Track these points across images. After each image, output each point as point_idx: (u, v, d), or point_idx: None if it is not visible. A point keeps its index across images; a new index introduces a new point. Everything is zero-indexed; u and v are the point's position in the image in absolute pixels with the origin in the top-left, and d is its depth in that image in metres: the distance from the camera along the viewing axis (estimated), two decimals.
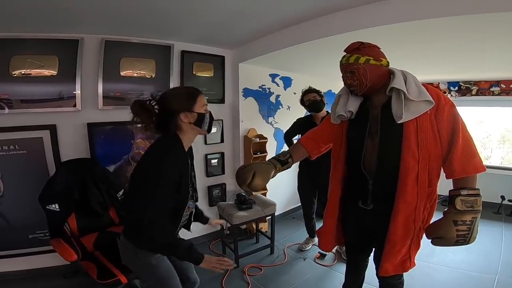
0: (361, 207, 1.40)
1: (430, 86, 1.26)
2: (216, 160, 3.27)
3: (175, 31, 2.51)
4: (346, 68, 1.29)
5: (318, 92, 2.69)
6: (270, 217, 2.92)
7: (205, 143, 3.15)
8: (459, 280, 2.38)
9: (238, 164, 3.36)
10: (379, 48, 1.30)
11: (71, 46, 2.31)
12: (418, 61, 2.93)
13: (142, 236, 1.25)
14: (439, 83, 4.43)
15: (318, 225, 3.12)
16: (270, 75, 3.56)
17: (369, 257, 1.64)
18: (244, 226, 3.22)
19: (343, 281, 1.78)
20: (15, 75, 2.16)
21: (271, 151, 3.58)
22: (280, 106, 3.74)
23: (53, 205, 1.96)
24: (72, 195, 2.04)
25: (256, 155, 3.27)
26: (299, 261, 2.82)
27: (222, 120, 3.27)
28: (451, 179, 1.25)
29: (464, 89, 4.25)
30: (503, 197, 3.91)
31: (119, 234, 1.39)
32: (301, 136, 3.00)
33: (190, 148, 1.45)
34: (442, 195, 1.39)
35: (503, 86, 3.95)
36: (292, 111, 3.77)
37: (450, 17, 1.60)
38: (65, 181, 2.06)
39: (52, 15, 1.94)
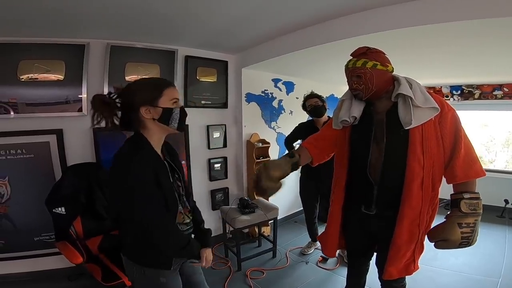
0: (364, 212, 1.42)
1: (433, 93, 1.29)
2: (219, 165, 3.30)
3: (179, 37, 2.55)
4: (353, 72, 1.30)
5: (319, 97, 2.72)
6: (272, 221, 2.93)
7: (208, 147, 3.18)
8: (462, 284, 2.38)
9: (241, 169, 3.40)
10: (384, 53, 1.32)
11: (78, 51, 2.36)
12: (420, 65, 2.95)
13: (147, 249, 1.16)
14: (441, 87, 4.43)
15: (320, 229, 3.14)
16: (273, 80, 3.59)
17: (371, 261, 1.65)
18: (246, 230, 3.23)
19: (345, 284, 1.78)
20: (23, 80, 2.21)
21: (273, 156, 3.60)
22: (283, 111, 3.76)
23: (60, 209, 2.00)
24: (78, 199, 2.08)
25: (259, 160, 3.28)
26: (301, 265, 2.82)
27: (225, 124, 3.30)
28: (450, 183, 1.28)
29: (466, 93, 4.25)
30: (506, 201, 3.90)
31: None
32: (302, 141, 3.04)
33: (169, 147, 1.34)
34: (445, 199, 1.40)
35: (506, 89, 3.95)
36: (294, 116, 3.79)
37: (451, 22, 1.63)
38: (71, 185, 2.10)
39: (59, 21, 1.98)
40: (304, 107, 2.79)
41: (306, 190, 2.94)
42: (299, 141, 3.16)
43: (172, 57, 2.80)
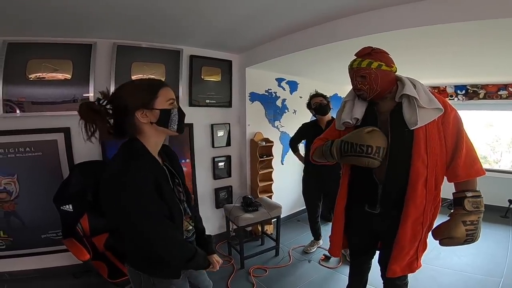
0: (368, 211, 1.44)
1: (435, 93, 1.31)
2: (223, 163, 3.32)
3: (184, 36, 2.57)
4: (357, 72, 1.32)
5: (324, 96, 2.80)
6: (275, 219, 2.95)
7: (213, 146, 3.21)
8: (464, 283, 2.38)
9: (245, 167, 3.43)
10: (388, 54, 1.34)
11: (85, 51, 2.39)
12: (424, 65, 2.95)
13: (153, 259, 1.10)
14: (446, 86, 4.41)
15: (323, 227, 3.17)
16: (276, 79, 3.60)
17: (373, 259, 1.68)
18: (249, 228, 3.26)
19: (347, 283, 1.80)
20: (31, 79, 2.25)
21: (277, 155, 3.63)
22: (286, 110, 3.78)
23: (67, 206, 2.03)
24: (85, 197, 2.10)
25: (262, 159, 3.31)
26: (304, 263, 2.84)
27: (229, 123, 3.32)
28: (451, 182, 1.32)
29: (471, 92, 4.23)
30: (510, 201, 3.89)
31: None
32: (306, 141, 3.06)
33: (168, 151, 1.25)
34: (448, 199, 1.42)
35: (511, 89, 3.92)
36: (298, 115, 3.81)
37: (455, 23, 1.63)
38: (79, 183, 2.13)
39: (66, 20, 2.01)
40: (309, 105, 2.85)
41: (309, 189, 2.96)
42: (303, 141, 3.19)
43: (177, 56, 2.82)
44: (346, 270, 2.14)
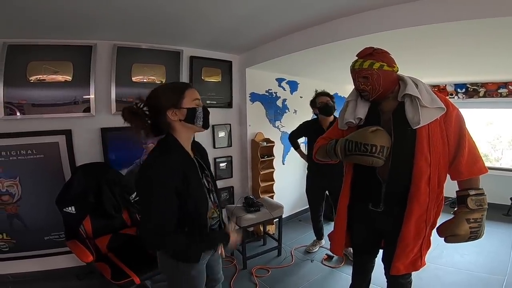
0: (371, 209, 1.44)
1: (437, 92, 1.32)
2: (224, 164, 3.33)
3: (184, 37, 2.57)
4: (360, 73, 1.32)
5: (331, 96, 2.73)
6: (277, 219, 2.95)
7: (214, 147, 3.21)
8: (468, 282, 2.38)
9: (246, 168, 3.42)
10: (389, 54, 1.34)
11: (85, 52, 2.40)
12: (424, 64, 2.95)
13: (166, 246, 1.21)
14: (446, 85, 4.41)
15: (326, 227, 3.17)
16: (277, 79, 3.60)
17: (376, 258, 1.67)
18: (251, 228, 3.25)
19: (350, 282, 1.80)
20: (31, 81, 2.25)
21: (278, 155, 3.63)
22: (287, 110, 3.78)
23: (70, 208, 2.03)
24: (88, 198, 2.11)
25: (263, 159, 3.31)
26: (306, 263, 2.84)
27: (230, 124, 3.32)
28: (455, 180, 1.32)
29: (471, 91, 4.23)
30: None
31: (132, 236, 1.37)
32: (307, 138, 3.05)
33: (199, 146, 1.41)
34: (450, 198, 1.43)
35: (511, 87, 3.93)
36: (298, 115, 3.81)
37: (455, 22, 1.63)
38: (81, 185, 2.13)
39: (66, 22, 2.01)
40: (313, 103, 2.79)
41: (312, 188, 2.95)
42: (303, 138, 3.17)
43: (178, 57, 2.83)
44: (348, 269, 2.14)
